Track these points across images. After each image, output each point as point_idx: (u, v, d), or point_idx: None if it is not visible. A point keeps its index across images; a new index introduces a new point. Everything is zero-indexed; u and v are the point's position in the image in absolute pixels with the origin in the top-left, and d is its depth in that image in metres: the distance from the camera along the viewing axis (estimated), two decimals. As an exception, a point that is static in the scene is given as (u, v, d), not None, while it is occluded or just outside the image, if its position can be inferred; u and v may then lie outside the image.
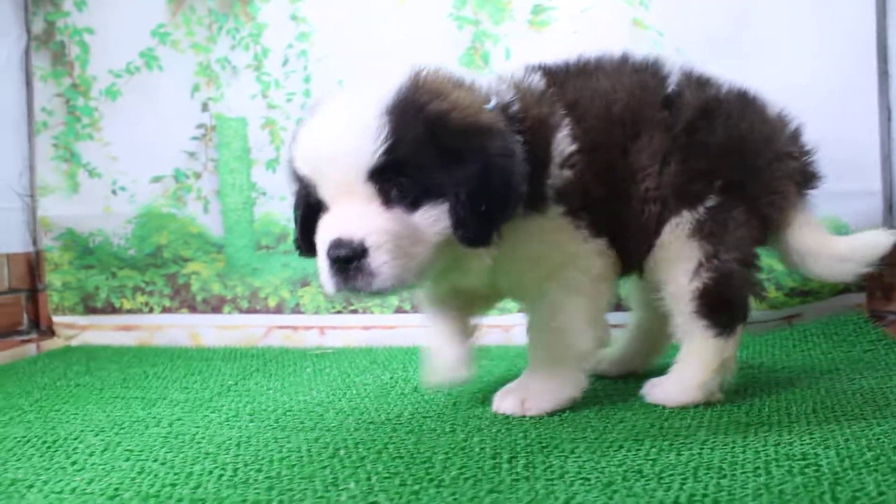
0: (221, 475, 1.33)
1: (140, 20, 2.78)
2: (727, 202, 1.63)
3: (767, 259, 2.13)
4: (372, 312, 2.69)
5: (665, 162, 1.63)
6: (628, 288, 1.92)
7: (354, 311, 2.70)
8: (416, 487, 1.22)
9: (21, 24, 2.83)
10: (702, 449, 1.36)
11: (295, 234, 1.60)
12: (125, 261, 2.84)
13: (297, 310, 2.75)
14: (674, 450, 1.36)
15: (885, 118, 2.39)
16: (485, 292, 1.73)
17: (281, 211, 2.72)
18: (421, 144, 1.41)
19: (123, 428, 1.68)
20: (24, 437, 1.64)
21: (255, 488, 1.25)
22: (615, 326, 1.85)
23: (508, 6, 2.56)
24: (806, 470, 1.21)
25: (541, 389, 1.65)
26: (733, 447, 1.36)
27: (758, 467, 1.24)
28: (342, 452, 1.42)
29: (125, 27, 2.79)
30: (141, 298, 2.86)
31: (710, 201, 1.63)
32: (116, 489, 1.28)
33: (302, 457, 1.41)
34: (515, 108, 1.54)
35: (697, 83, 1.70)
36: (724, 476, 1.21)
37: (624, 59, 1.71)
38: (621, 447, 1.39)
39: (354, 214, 1.41)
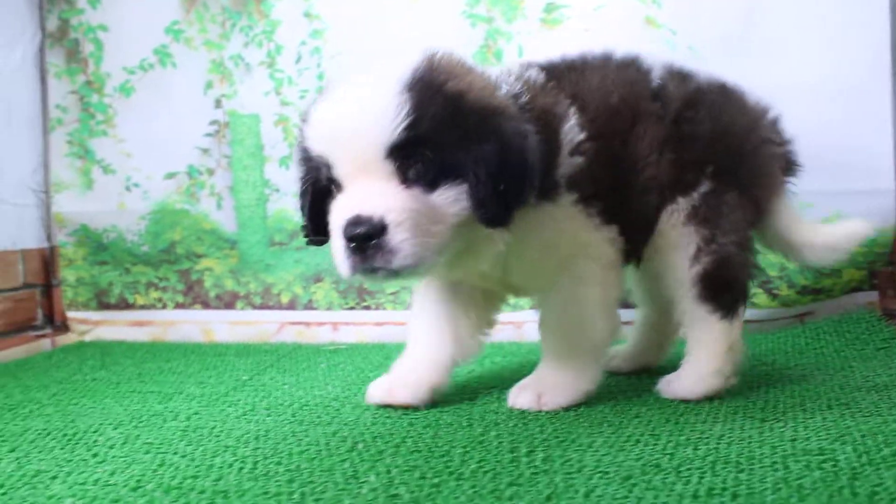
0: (242, 468, 1.34)
1: (154, 17, 2.78)
2: (720, 187, 1.68)
3: (778, 258, 2.14)
4: (384, 309, 2.70)
5: (661, 151, 1.66)
6: (631, 284, 1.92)
7: (367, 308, 2.72)
8: (437, 480, 1.23)
9: (36, 22, 2.84)
10: (718, 444, 1.36)
11: (304, 220, 1.57)
12: (139, 257, 2.86)
13: (309, 306, 2.76)
14: (691, 444, 1.37)
15: (898, 115, 2.39)
16: (493, 286, 1.74)
17: (294, 207, 2.72)
18: (441, 122, 1.40)
19: (142, 421, 1.70)
20: (44, 429, 1.65)
21: (276, 480, 1.26)
22: (626, 323, 1.85)
23: (521, 4, 2.57)
24: (824, 465, 1.21)
25: (556, 383, 1.66)
26: (750, 442, 1.36)
27: (775, 462, 1.25)
28: (360, 446, 1.43)
29: (139, 24, 2.80)
30: (154, 294, 2.87)
31: (704, 187, 1.67)
32: (139, 481, 1.29)
33: (321, 450, 1.42)
34: (524, 98, 1.55)
35: (679, 76, 1.74)
36: (742, 470, 1.22)
37: (607, 56, 1.74)
38: (638, 441, 1.40)
39: (373, 192, 1.39)
